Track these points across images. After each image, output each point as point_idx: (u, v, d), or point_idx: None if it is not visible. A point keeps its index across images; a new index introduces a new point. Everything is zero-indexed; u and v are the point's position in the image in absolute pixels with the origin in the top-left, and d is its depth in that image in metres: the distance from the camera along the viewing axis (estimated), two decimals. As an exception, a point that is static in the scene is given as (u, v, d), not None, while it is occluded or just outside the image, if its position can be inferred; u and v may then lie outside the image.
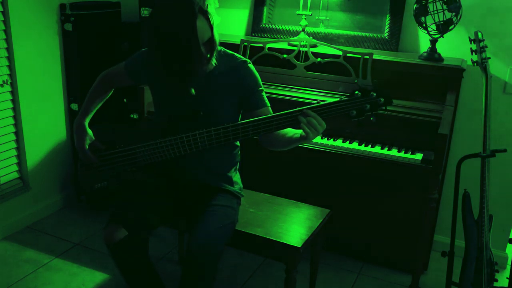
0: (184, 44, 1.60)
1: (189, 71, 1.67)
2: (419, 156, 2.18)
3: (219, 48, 1.86)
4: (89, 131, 1.96)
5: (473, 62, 2.02)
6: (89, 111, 2.01)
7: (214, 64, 1.78)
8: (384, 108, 1.65)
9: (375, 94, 1.63)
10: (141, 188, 1.93)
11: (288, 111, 1.66)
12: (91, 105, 2.02)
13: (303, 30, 2.65)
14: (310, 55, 2.53)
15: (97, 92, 2.05)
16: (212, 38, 1.68)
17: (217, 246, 1.75)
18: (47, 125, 2.95)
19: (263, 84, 2.55)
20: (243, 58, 1.87)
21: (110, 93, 2.10)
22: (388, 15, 2.64)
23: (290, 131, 1.75)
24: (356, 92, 1.63)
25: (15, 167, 2.85)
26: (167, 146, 1.75)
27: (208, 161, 1.92)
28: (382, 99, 1.63)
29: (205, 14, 1.65)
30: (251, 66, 1.86)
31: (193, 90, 1.75)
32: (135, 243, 1.82)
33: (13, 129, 2.78)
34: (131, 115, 3.10)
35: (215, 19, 2.83)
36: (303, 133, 1.66)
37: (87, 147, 1.92)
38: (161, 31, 1.61)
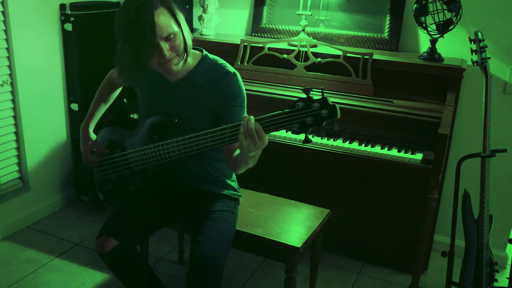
0: (137, 36, 1.59)
1: (140, 63, 1.65)
2: (419, 156, 2.18)
3: (210, 56, 1.81)
4: (93, 135, 2.01)
5: (473, 62, 2.02)
6: (93, 115, 2.06)
7: (190, 61, 1.74)
8: (332, 121, 1.38)
9: (318, 104, 1.36)
10: (134, 198, 1.93)
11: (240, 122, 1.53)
12: (96, 109, 2.06)
13: (303, 30, 2.65)
14: (310, 55, 2.53)
15: (103, 90, 2.08)
16: (180, 35, 1.65)
17: (221, 253, 1.75)
18: (47, 125, 2.95)
19: (263, 84, 2.58)
20: (229, 70, 1.76)
21: (116, 94, 2.12)
22: (388, 15, 2.64)
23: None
24: (299, 102, 1.38)
25: (15, 167, 2.85)
26: (149, 153, 1.75)
27: (199, 169, 1.89)
28: (325, 111, 1.36)
29: (170, 9, 1.63)
30: (235, 79, 1.75)
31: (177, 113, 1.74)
32: (127, 252, 1.82)
33: (13, 129, 2.78)
34: (131, 115, 3.10)
35: (214, 19, 2.86)
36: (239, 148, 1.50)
37: (89, 151, 1.97)
38: (120, 19, 1.66)
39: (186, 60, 1.71)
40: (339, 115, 1.37)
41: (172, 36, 1.63)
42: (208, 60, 1.81)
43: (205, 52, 1.83)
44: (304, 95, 1.41)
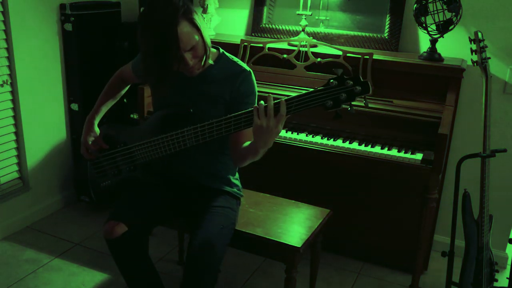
0: (163, 51, 1.62)
1: (164, 76, 1.69)
2: (419, 156, 2.18)
3: (227, 54, 1.87)
4: (97, 129, 2.02)
5: (473, 62, 2.02)
6: (100, 109, 2.07)
7: (211, 62, 1.79)
8: (362, 97, 1.51)
9: (351, 82, 1.48)
10: (141, 188, 1.94)
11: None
12: (103, 103, 2.08)
13: (303, 30, 2.65)
14: (310, 55, 2.53)
15: (112, 86, 2.10)
16: (201, 42, 1.68)
17: (219, 247, 1.75)
18: (47, 125, 2.95)
19: (263, 84, 2.58)
20: (245, 67, 1.84)
21: (124, 90, 2.14)
22: (388, 15, 2.64)
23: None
24: (331, 80, 1.49)
25: (15, 167, 2.85)
26: (159, 144, 1.76)
27: (206, 163, 1.92)
28: (358, 87, 1.48)
29: (191, 20, 1.65)
30: (250, 76, 1.83)
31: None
32: (135, 239, 1.83)
33: (13, 129, 2.78)
34: (131, 115, 3.10)
35: (214, 19, 2.86)
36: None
37: (89, 144, 1.97)
38: (144, 34, 1.65)
39: (206, 62, 1.75)
40: (371, 91, 1.49)
41: (195, 46, 1.67)
42: (225, 57, 1.86)
43: (221, 50, 1.88)
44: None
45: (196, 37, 1.67)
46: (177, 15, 1.61)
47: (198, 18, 1.69)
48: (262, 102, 1.55)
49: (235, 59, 1.87)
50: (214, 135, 1.65)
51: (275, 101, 1.54)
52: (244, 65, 1.85)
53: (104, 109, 2.09)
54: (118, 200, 1.92)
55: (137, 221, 1.84)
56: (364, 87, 1.47)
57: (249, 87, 1.82)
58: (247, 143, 1.74)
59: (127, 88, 2.15)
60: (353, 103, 1.53)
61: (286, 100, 1.53)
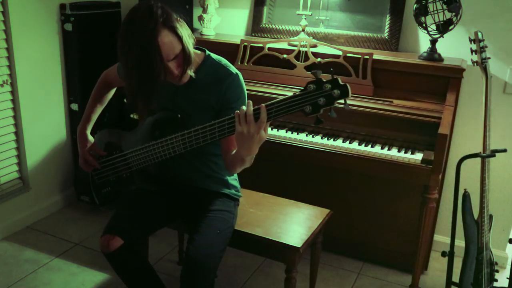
0: (147, 64, 1.56)
1: (151, 90, 1.63)
2: (419, 156, 2.18)
3: (213, 56, 1.82)
4: (90, 138, 2.00)
5: (473, 62, 2.02)
6: (90, 118, 2.05)
7: (193, 75, 1.72)
8: (343, 101, 1.44)
9: (329, 85, 1.41)
10: (136, 197, 1.93)
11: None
12: (92, 111, 2.05)
13: (303, 30, 2.65)
14: (310, 55, 2.53)
15: (98, 91, 2.07)
16: (183, 51, 1.63)
17: (215, 253, 1.74)
18: (47, 125, 2.95)
19: (263, 84, 2.58)
20: (232, 71, 1.78)
21: (111, 94, 2.12)
22: (388, 15, 2.64)
23: None
24: (310, 84, 1.44)
25: (15, 167, 2.84)
26: (150, 151, 1.74)
27: (203, 166, 1.91)
28: (337, 91, 1.41)
29: (173, 28, 1.59)
30: (237, 80, 1.77)
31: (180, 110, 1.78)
32: (131, 251, 1.83)
33: (13, 129, 2.78)
34: (131, 115, 3.10)
35: (214, 19, 2.85)
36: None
37: (88, 154, 1.96)
38: (125, 49, 1.60)
39: (189, 69, 1.69)
40: (350, 94, 1.42)
41: (178, 54, 1.63)
42: (211, 60, 1.81)
43: (208, 52, 1.83)
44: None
45: (179, 46, 1.61)
46: (157, 26, 1.55)
47: (180, 25, 1.63)
48: (243, 107, 1.51)
49: (223, 61, 1.81)
50: (200, 142, 1.62)
51: (255, 107, 1.50)
52: (231, 68, 1.79)
53: (94, 117, 2.06)
54: (113, 212, 1.91)
55: (133, 232, 1.83)
56: (343, 91, 1.41)
57: (236, 91, 1.76)
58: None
59: (113, 91, 2.11)
60: (348, 101, 1.49)
61: (266, 105, 1.49)
